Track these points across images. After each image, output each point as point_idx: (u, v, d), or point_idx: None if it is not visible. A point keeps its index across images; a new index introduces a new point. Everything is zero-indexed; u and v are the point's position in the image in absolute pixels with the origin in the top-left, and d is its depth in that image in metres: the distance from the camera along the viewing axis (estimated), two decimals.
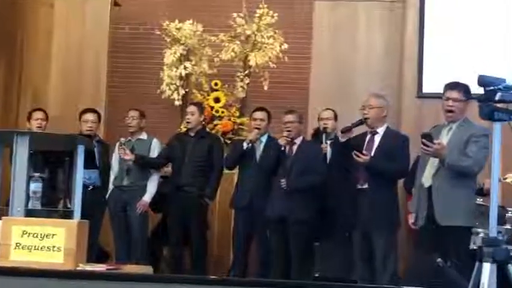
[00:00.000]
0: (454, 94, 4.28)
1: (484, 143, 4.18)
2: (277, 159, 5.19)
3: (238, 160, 5.49)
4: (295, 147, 5.25)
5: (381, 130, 4.81)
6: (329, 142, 5.35)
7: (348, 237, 4.92)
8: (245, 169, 5.48)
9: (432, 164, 4.27)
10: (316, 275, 5.14)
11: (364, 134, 4.90)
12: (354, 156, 4.66)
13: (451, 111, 4.28)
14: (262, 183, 5.32)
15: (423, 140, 4.10)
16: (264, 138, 5.56)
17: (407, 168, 4.78)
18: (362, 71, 6.78)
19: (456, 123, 4.32)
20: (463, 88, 4.30)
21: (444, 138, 4.31)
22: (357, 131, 4.99)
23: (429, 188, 4.25)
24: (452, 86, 4.34)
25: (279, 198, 5.13)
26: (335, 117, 5.64)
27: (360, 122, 4.88)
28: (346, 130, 4.91)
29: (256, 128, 5.50)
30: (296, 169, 5.14)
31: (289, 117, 5.29)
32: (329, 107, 5.79)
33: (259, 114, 5.57)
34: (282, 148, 5.16)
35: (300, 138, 5.32)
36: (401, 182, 5.30)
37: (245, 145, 5.41)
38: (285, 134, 5.21)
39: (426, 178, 4.29)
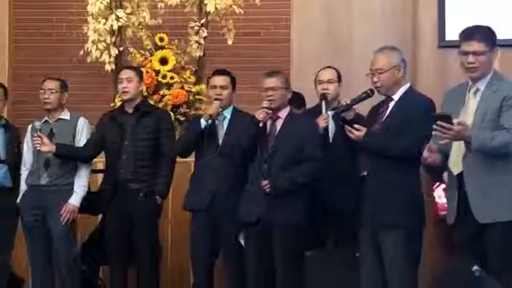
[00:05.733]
0: (474, 45, 4.35)
1: None
2: (253, 140, 5.18)
3: (193, 144, 5.48)
4: (279, 124, 5.24)
5: (397, 95, 4.81)
6: (330, 113, 5.36)
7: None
8: (204, 156, 5.46)
9: (459, 144, 4.34)
10: None
11: (383, 102, 4.89)
12: (347, 132, 4.71)
13: (473, 68, 4.35)
14: (229, 175, 5.35)
15: (440, 123, 4.12)
16: (228, 113, 5.54)
17: (413, 145, 4.60)
18: (361, 15, 6.85)
19: (483, 81, 4.40)
20: (484, 34, 4.37)
21: (471, 103, 4.40)
22: None
23: (460, 175, 4.34)
24: (468, 35, 4.39)
25: (257, 196, 5.11)
26: (339, 79, 5.67)
27: (367, 95, 4.92)
28: (343, 110, 4.91)
29: (217, 99, 5.49)
30: (281, 155, 5.13)
31: (272, 82, 5.25)
32: (330, 65, 5.74)
33: (219, 80, 5.54)
34: (261, 125, 5.15)
35: (286, 110, 5.29)
36: None
37: (203, 122, 5.38)
38: (265, 104, 5.18)
39: (455, 163, 4.38)
